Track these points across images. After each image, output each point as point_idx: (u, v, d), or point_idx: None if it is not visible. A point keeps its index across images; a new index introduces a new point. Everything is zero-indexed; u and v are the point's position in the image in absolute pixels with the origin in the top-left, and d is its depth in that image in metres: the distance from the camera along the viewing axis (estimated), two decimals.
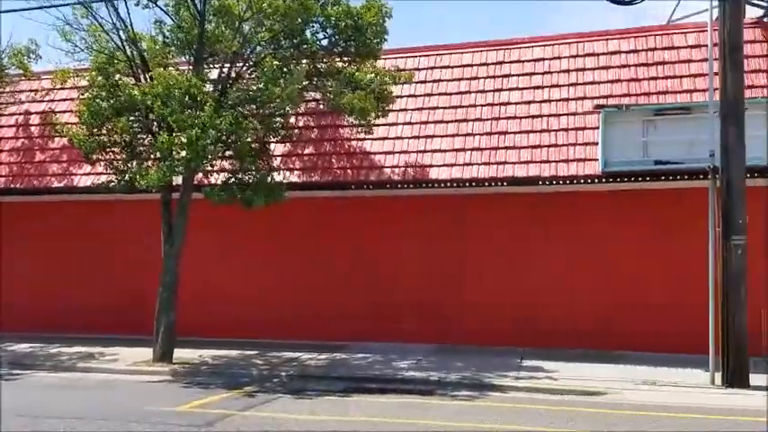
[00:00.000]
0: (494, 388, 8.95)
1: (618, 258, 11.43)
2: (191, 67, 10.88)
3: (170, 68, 10.46)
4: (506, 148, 11.64)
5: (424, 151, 12.24)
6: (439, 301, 12.17)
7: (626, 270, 11.38)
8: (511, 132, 11.77)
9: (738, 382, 8.62)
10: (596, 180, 10.84)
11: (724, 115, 8.89)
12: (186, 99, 9.55)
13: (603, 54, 12.02)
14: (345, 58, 11.26)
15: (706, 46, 9.92)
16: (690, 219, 9.95)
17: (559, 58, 12.31)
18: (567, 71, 12.11)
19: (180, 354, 10.72)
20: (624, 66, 11.77)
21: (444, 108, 12.56)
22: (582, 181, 10.94)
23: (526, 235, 11.92)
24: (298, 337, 12.26)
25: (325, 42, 11.15)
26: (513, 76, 12.51)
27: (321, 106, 12.56)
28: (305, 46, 10.83)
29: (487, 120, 12.04)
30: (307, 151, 12.99)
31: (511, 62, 12.62)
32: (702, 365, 9.17)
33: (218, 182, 11.14)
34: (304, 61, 10.97)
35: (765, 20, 12.71)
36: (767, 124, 9.75)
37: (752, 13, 14.47)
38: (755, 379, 8.83)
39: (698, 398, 8.19)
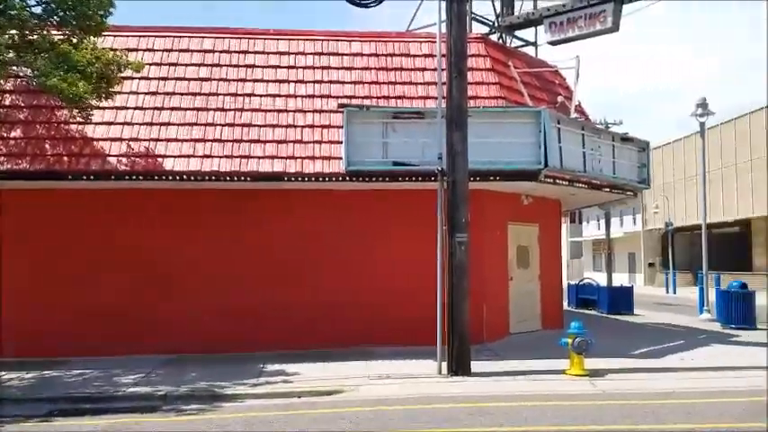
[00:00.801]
0: (228, 398, 8.34)
1: (361, 256, 11.71)
2: None
3: None
4: (250, 141, 11.10)
5: (158, 140, 11.09)
6: (167, 308, 11.23)
7: (368, 267, 11.72)
8: (255, 125, 11.26)
9: (462, 369, 9.27)
10: (341, 178, 10.89)
11: (450, 121, 9.52)
12: None
13: (347, 55, 12.21)
14: (66, 31, 9.65)
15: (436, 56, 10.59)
16: (427, 218, 10.52)
17: (304, 53, 12.19)
18: (313, 68, 12.04)
19: None
20: (366, 68, 12.09)
21: (182, 94, 11.56)
22: (327, 179, 10.90)
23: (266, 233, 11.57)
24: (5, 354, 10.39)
25: (38, 10, 9.43)
26: (258, 67, 12.03)
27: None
28: (12, 12, 8.99)
29: (230, 110, 11.36)
30: (14, 134, 10.93)
31: (255, 53, 12.13)
32: (435, 356, 9.70)
33: None
34: (13, 31, 9.14)
35: (491, 36, 14.20)
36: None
37: (479, 29, 16.16)
38: (477, 366, 9.63)
39: (425, 388, 8.59)
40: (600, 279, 41.29)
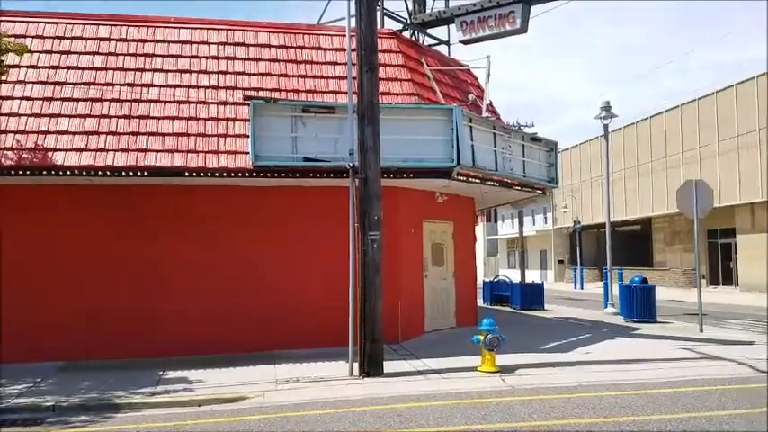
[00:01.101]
0: (122, 408, 7.73)
1: (272, 256, 11.28)
2: None
3: None
4: (148, 134, 10.41)
5: (48, 132, 10.21)
6: (57, 310, 10.34)
7: (280, 267, 11.30)
8: (154, 117, 10.59)
9: (374, 370, 9.04)
10: (247, 174, 10.40)
11: (361, 116, 9.27)
12: None
13: (254, 45, 11.73)
14: None
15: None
16: (342, 216, 10.24)
17: (208, 43, 11.61)
18: (217, 58, 11.48)
19: None
20: (274, 60, 11.66)
21: (75, 84, 10.72)
22: (232, 174, 10.38)
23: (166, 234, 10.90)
24: None
25: None
26: (158, 56, 11.34)
27: None
28: None
29: (127, 101, 10.63)
30: None
31: (155, 41, 11.43)
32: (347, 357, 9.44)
33: None
34: None
35: (403, 33, 14.08)
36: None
37: (392, 25, 16.00)
38: (391, 366, 9.45)
39: (335, 391, 8.29)
40: (515, 276, 42.57)
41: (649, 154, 35.16)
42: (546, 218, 48.87)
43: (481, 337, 9.31)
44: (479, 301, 22.50)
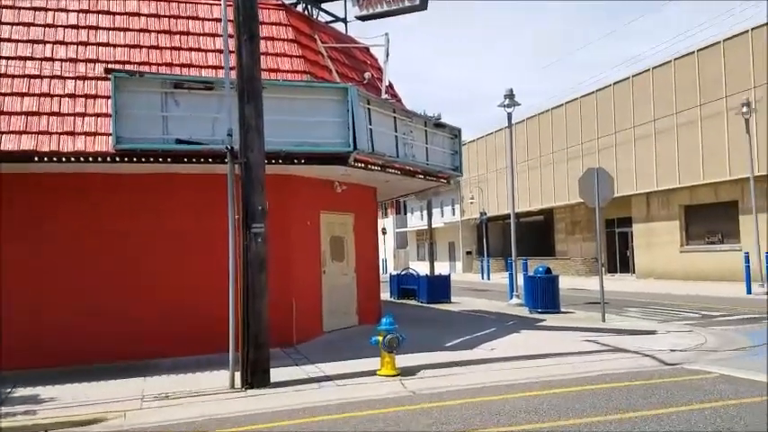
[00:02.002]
0: None
1: (144, 252, 9.94)
2: None
3: None
4: None
5: None
6: None
7: (153, 264, 9.98)
8: None
9: (258, 380, 7.98)
10: (108, 159, 9.00)
11: (241, 92, 8.14)
12: None
13: (120, 14, 10.28)
14: None
15: (229, 20, 9.15)
16: (223, 206, 9.09)
17: (66, 10, 10.05)
18: (77, 27, 9.95)
19: None
20: (144, 30, 10.26)
21: None
22: (90, 159, 8.94)
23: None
24: None
25: None
26: (5, 24, 9.68)
27: None
28: None
29: None
30: None
31: (3, 7, 9.74)
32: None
33: None
34: None
35: (297, 8, 12.92)
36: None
37: None
38: (280, 373, 8.45)
39: (211, 407, 7.17)
40: (425, 268, 42.32)
41: (551, 145, 35.90)
42: (454, 210, 49.18)
43: (380, 338, 8.47)
44: (386, 296, 21.89)
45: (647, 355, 9.33)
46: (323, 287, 11.94)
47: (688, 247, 27.51)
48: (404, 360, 8.95)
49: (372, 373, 8.51)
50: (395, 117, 11.33)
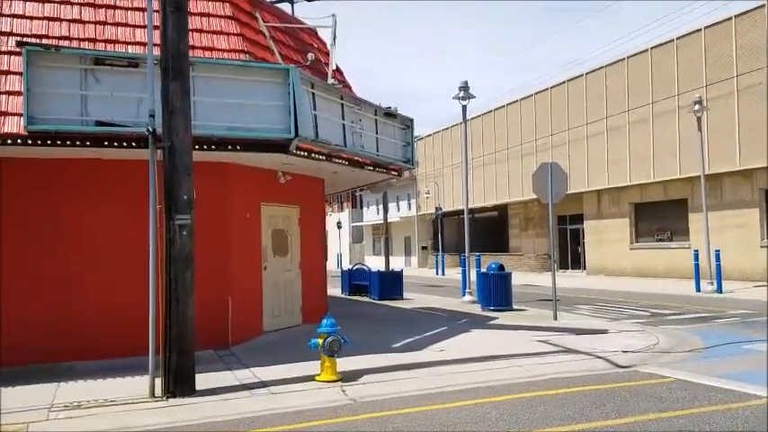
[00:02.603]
0: None
1: (63, 245, 9.02)
2: None
3: None
4: None
5: None
6: None
7: (78, 262, 9.07)
8: None
9: (182, 388, 7.22)
10: (20, 141, 8.05)
11: (165, 69, 7.34)
12: None
13: None
14: None
15: None
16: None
17: None
18: None
19: None
20: (66, 2, 9.30)
21: None
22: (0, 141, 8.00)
23: None
24: None
25: None
26: None
27: None
28: None
29: None
30: None
31: None
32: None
33: None
34: None
35: None
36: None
37: None
38: (209, 379, 7.74)
39: (128, 419, 6.39)
40: (380, 263, 41.82)
41: (506, 141, 35.80)
42: (410, 204, 48.80)
43: (320, 341, 7.82)
44: (337, 292, 21.24)
45: (600, 357, 8.96)
46: (263, 284, 11.20)
47: (638, 244, 27.74)
48: (346, 363, 8.35)
49: (311, 378, 7.86)
50: (342, 104, 10.65)
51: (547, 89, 32.65)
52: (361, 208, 57.93)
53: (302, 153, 9.72)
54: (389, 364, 8.66)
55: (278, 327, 11.40)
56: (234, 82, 8.89)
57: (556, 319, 12.90)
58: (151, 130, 7.37)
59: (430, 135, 45.18)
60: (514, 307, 15.18)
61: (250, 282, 10.80)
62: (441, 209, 39.24)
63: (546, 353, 9.32)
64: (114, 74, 8.29)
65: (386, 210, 45.36)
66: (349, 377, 7.91)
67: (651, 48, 26.37)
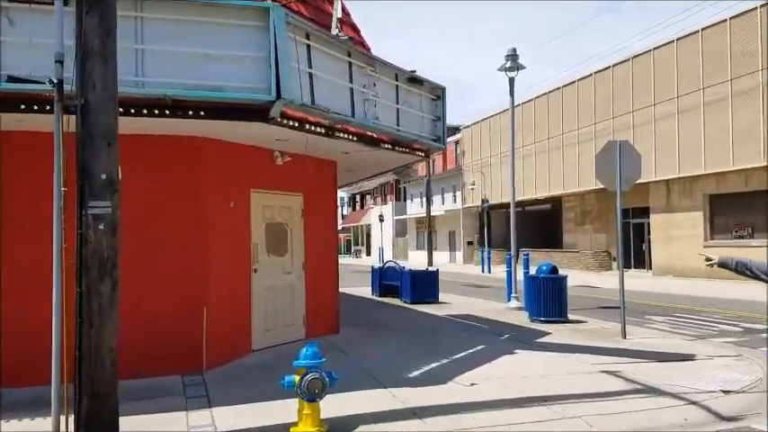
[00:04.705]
0: None
1: None
2: None
3: None
4: None
5: None
6: None
7: None
8: None
9: None
10: None
11: (79, 3, 5.17)
12: None
13: None
14: None
15: None
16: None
17: None
18: None
19: None
20: None
21: None
22: None
23: None
24: None
25: None
26: None
27: None
28: None
29: None
30: None
31: None
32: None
33: None
34: None
35: None
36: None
37: None
38: (153, 423, 5.71)
39: None
40: (423, 258, 39.21)
41: (560, 126, 32.75)
42: (455, 196, 46.13)
43: (296, 378, 5.58)
44: (368, 292, 19.04)
45: (694, 402, 6.43)
46: (253, 290, 9.02)
47: (713, 241, 24.39)
48: (339, 403, 6.14)
49: (286, 428, 5.64)
50: (350, 62, 8.35)
51: (608, 68, 29.46)
52: (405, 200, 55.60)
53: (289, 123, 7.46)
54: (398, 408, 6.33)
55: (273, 343, 9.21)
56: (197, 26, 6.71)
57: (624, 336, 10.30)
58: (56, 81, 5.25)
59: (477, 122, 42.40)
60: (570, 317, 12.61)
61: (234, 287, 8.64)
62: (487, 201, 36.49)
63: (617, 393, 6.82)
64: (34, 13, 6.24)
65: (428, 202, 42.98)
66: (338, 428, 5.66)
67: (730, 18, 22.98)
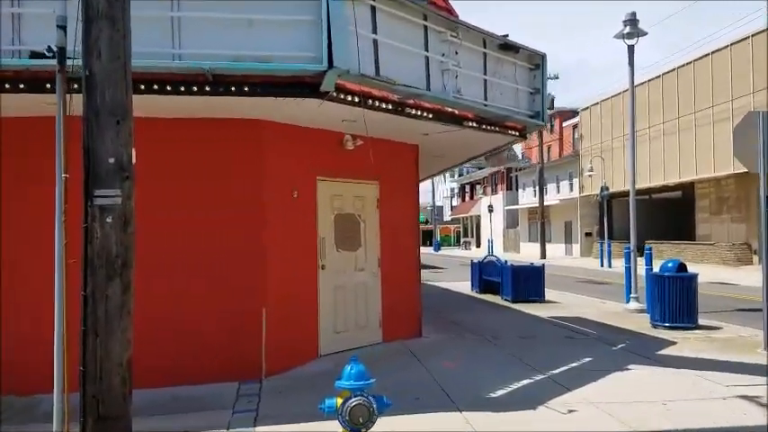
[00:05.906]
0: None
1: None
2: None
3: None
4: None
5: None
6: None
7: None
8: None
9: None
10: None
11: None
12: None
13: None
14: None
15: None
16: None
17: None
18: None
19: None
20: None
21: None
22: None
23: None
24: None
25: None
26: None
27: None
28: None
29: None
30: None
31: None
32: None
33: None
34: None
35: None
36: None
37: None
38: None
39: None
40: (536, 251, 37.09)
41: (692, 105, 29.30)
42: (572, 184, 43.22)
43: (338, 402, 4.57)
44: (467, 288, 17.78)
45: None
46: (320, 289, 8.13)
47: None
48: (396, 428, 5.05)
49: None
50: (425, 26, 7.19)
51: (747, 37, 25.82)
52: (517, 190, 53.16)
53: (351, 99, 6.43)
54: None
55: (344, 347, 8.26)
56: None
57: None
58: (55, 49, 4.56)
59: (596, 103, 39.31)
60: (700, 322, 10.65)
61: (297, 286, 7.79)
62: (607, 189, 33.58)
63: (759, 429, 5.19)
64: None
65: (541, 190, 40.53)
66: None
67: None
